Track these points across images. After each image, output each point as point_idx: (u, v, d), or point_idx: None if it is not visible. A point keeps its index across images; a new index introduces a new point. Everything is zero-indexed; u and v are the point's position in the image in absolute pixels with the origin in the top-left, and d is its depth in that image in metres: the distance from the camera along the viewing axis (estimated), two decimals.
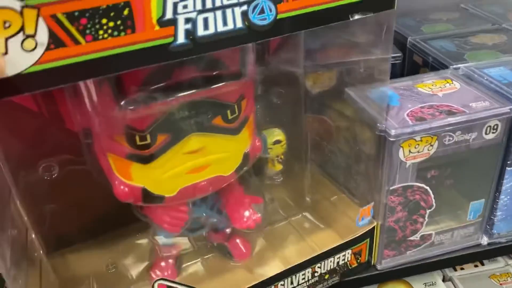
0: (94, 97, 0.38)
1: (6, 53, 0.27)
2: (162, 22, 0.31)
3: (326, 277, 0.53)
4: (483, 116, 0.51)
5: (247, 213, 0.50)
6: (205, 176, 0.45)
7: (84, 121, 0.41)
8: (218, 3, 0.32)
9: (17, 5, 0.26)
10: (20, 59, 0.27)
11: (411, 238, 0.57)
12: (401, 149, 0.50)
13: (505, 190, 0.57)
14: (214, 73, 0.40)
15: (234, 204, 0.51)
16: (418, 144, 0.50)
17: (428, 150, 0.51)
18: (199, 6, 0.31)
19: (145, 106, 0.38)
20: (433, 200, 0.55)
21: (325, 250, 0.51)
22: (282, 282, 0.50)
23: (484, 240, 0.61)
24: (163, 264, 0.53)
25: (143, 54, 0.31)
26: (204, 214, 0.51)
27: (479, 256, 0.63)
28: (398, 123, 0.50)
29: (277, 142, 0.54)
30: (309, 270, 0.51)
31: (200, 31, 0.32)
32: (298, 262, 0.50)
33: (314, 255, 0.51)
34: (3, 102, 0.29)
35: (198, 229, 0.53)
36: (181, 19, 0.31)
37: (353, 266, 0.55)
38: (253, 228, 0.50)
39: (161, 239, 0.52)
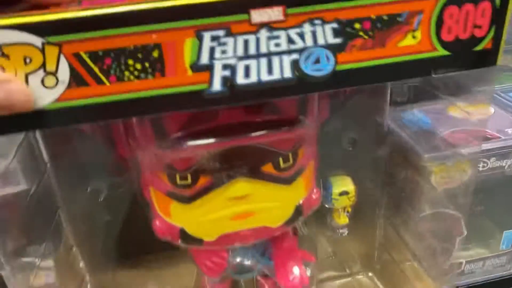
0: (139, 134, 0.36)
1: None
2: (196, 67, 0.27)
3: None
4: None
5: (295, 271, 0.45)
6: (250, 225, 0.41)
7: (132, 151, 0.40)
8: (263, 50, 0.28)
9: (39, 42, 0.25)
10: (40, 95, 0.26)
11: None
12: (432, 174, 0.45)
13: None
14: (266, 119, 0.36)
15: (284, 257, 0.46)
16: (450, 170, 0.45)
17: (460, 176, 0.45)
18: (240, 52, 0.28)
19: (185, 148, 0.35)
20: (463, 227, 0.49)
21: None
22: None
23: None
24: None
25: (173, 99, 0.28)
26: (252, 258, 0.48)
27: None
28: (430, 148, 0.46)
29: (344, 193, 0.49)
30: None
31: (240, 79, 0.28)
32: None
33: None
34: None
35: (247, 273, 0.49)
36: (218, 65, 0.28)
37: None
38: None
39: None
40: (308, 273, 0.45)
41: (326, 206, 0.50)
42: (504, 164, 0.48)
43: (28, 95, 0.26)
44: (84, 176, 0.44)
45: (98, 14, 0.25)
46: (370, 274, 0.55)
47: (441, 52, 0.30)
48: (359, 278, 0.56)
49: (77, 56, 0.26)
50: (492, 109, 0.53)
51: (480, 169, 0.48)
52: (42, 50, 0.25)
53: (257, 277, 0.52)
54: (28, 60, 0.25)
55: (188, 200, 0.39)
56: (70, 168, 0.43)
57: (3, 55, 0.25)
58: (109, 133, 0.41)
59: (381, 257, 0.55)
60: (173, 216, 0.40)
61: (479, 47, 0.31)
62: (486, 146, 0.48)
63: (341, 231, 0.52)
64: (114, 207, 0.46)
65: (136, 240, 0.50)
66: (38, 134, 0.42)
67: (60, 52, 0.25)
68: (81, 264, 0.48)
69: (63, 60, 0.26)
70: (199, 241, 0.41)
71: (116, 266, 0.52)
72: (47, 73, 0.26)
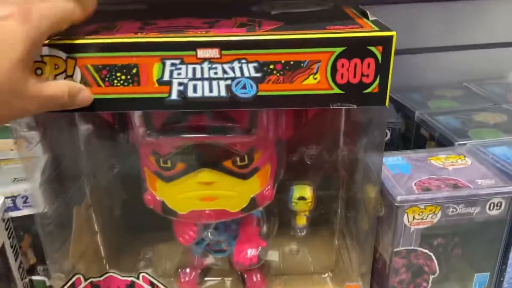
0: (135, 124, 0.51)
1: None
2: (161, 82, 0.42)
3: None
4: (485, 193, 0.53)
5: (248, 251, 0.57)
6: (213, 207, 0.53)
7: (134, 138, 0.55)
8: (206, 75, 0.41)
9: (63, 56, 0.40)
10: None
11: None
12: (405, 214, 0.52)
13: (511, 263, 0.57)
14: (223, 125, 0.49)
15: (244, 240, 0.58)
16: (422, 212, 0.52)
17: (431, 218, 0.53)
18: (190, 75, 0.41)
19: (165, 138, 0.49)
20: (437, 266, 0.57)
21: None
22: None
23: None
24: (189, 270, 0.64)
25: (144, 102, 0.42)
26: (225, 241, 0.60)
27: None
28: (405, 191, 0.53)
29: (302, 198, 0.60)
30: None
31: (190, 93, 0.42)
32: None
33: None
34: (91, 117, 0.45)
35: (220, 252, 0.62)
36: (175, 82, 0.42)
37: None
38: (246, 265, 0.57)
39: (192, 250, 0.63)
40: (257, 252, 0.56)
41: (289, 208, 0.61)
42: (472, 211, 0.54)
43: (91, 98, 0.41)
44: (104, 154, 0.59)
45: (100, 42, 0.40)
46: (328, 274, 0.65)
47: (336, 90, 0.42)
48: (317, 276, 0.65)
49: (86, 67, 0.41)
50: (469, 161, 0.59)
51: (450, 213, 0.53)
52: (65, 61, 0.41)
53: (230, 258, 0.64)
54: (56, 67, 0.41)
55: (168, 179, 0.52)
56: (95, 146, 0.59)
57: (43, 61, 0.40)
58: (125, 124, 0.57)
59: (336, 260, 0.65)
60: (158, 191, 0.54)
61: (368, 90, 0.42)
62: (454, 193, 0.53)
63: (299, 232, 0.62)
64: (127, 184, 0.61)
65: (141, 216, 0.65)
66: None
67: (75, 63, 0.41)
68: (96, 225, 0.64)
69: (77, 69, 0.41)
70: (174, 213, 0.54)
71: (124, 233, 0.66)
72: (67, 76, 0.41)
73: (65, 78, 0.41)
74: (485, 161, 0.59)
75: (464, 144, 0.63)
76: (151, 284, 0.53)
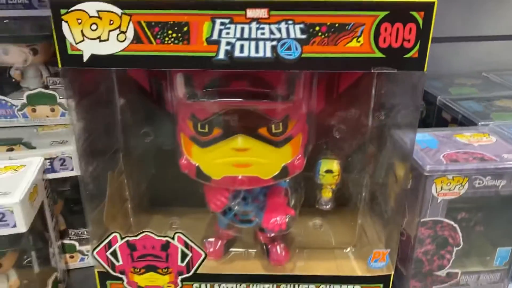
0: (177, 87, 0.53)
1: (108, 39, 0.43)
2: (209, 41, 0.43)
3: None
4: (511, 166, 0.55)
5: (275, 219, 0.58)
6: (246, 173, 0.55)
7: (173, 105, 0.57)
8: (253, 35, 0.43)
9: (119, 12, 0.42)
10: (114, 45, 0.44)
11: (438, 273, 0.60)
12: (434, 184, 0.54)
13: None
14: (263, 91, 0.50)
15: (272, 208, 0.60)
16: (450, 182, 0.54)
17: (459, 189, 0.55)
18: (238, 35, 0.43)
19: (205, 101, 0.51)
20: (461, 238, 0.58)
21: (329, 275, 0.56)
22: (284, 286, 0.56)
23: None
24: (214, 240, 0.65)
25: (192, 60, 0.44)
26: (252, 211, 0.62)
27: None
28: (434, 162, 0.55)
29: (329, 171, 0.61)
30: (313, 287, 0.56)
31: (237, 53, 0.44)
32: (303, 274, 0.56)
33: (319, 274, 0.56)
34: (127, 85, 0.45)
35: (247, 222, 0.63)
36: (223, 42, 0.43)
37: None
38: (276, 231, 0.58)
39: (219, 220, 0.64)
40: (285, 220, 0.58)
41: (316, 181, 0.63)
42: (498, 184, 0.55)
43: None
44: (140, 122, 0.61)
45: (154, 0, 0.42)
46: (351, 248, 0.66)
47: (378, 54, 0.44)
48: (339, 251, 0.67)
49: (139, 23, 0.43)
50: (494, 139, 0.61)
51: (476, 185, 0.55)
52: (120, 17, 0.42)
53: (255, 229, 0.66)
54: (111, 22, 0.43)
55: (204, 145, 0.54)
56: (131, 113, 0.61)
57: (99, 16, 0.42)
58: (163, 93, 0.58)
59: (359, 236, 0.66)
60: (193, 156, 0.56)
61: (408, 55, 0.44)
62: (482, 165, 0.55)
63: (324, 204, 0.64)
64: (159, 153, 0.63)
65: (171, 185, 0.67)
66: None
67: (130, 20, 0.43)
68: (127, 192, 0.65)
69: (131, 25, 0.43)
70: (208, 178, 0.56)
71: (153, 201, 0.68)
72: (121, 32, 0.43)
73: (118, 35, 0.43)
74: (510, 139, 0.60)
75: (487, 124, 0.65)
76: (186, 245, 0.55)
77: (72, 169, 0.59)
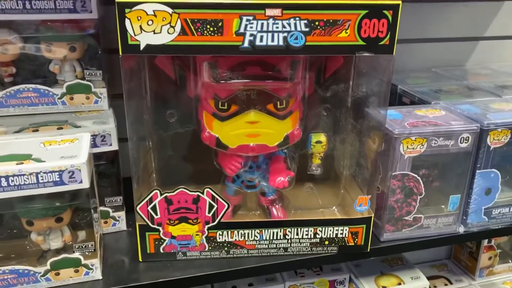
0: (202, 72, 0.67)
1: (160, 32, 0.57)
2: (237, 33, 0.58)
3: (326, 243, 0.72)
4: (457, 129, 0.73)
5: (280, 178, 0.73)
6: (256, 142, 0.69)
7: (196, 89, 0.70)
8: (270, 29, 0.58)
9: (170, 11, 0.56)
10: (166, 37, 0.57)
11: (406, 218, 0.76)
12: (401, 144, 0.71)
13: (475, 188, 0.77)
14: (271, 74, 0.65)
15: (275, 172, 0.74)
16: (413, 143, 0.71)
17: (420, 148, 0.72)
18: (259, 28, 0.58)
19: (225, 83, 0.65)
20: (423, 189, 0.75)
21: (325, 218, 0.71)
22: (289, 229, 0.71)
23: (461, 229, 0.80)
24: None
25: (224, 48, 0.58)
26: (257, 178, 0.76)
27: (457, 240, 0.85)
28: (400, 127, 0.72)
29: (318, 142, 0.76)
30: (312, 229, 0.71)
31: (258, 42, 0.58)
32: (303, 218, 0.71)
33: (316, 218, 0.71)
34: (157, 76, 0.59)
35: (252, 188, 0.77)
36: (248, 34, 0.58)
37: (349, 244, 0.72)
38: (280, 188, 0.73)
39: (227, 188, 0.78)
40: (287, 179, 0.73)
41: (307, 151, 0.78)
42: (448, 143, 0.72)
43: None
44: (166, 105, 0.74)
45: (197, 2, 0.56)
46: (336, 207, 0.82)
47: (360, 42, 0.60)
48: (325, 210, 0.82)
49: (185, 20, 0.57)
50: (444, 112, 0.79)
51: (433, 145, 0.72)
52: (171, 15, 0.56)
53: (258, 194, 0.80)
54: (164, 19, 0.56)
55: (223, 119, 0.68)
56: (159, 100, 0.74)
57: (154, 14, 0.56)
58: (184, 80, 0.72)
59: (343, 195, 0.82)
60: (214, 129, 0.69)
61: (382, 42, 0.60)
62: (436, 129, 0.71)
63: (314, 169, 0.79)
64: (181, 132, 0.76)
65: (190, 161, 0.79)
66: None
67: (178, 17, 0.56)
68: (153, 164, 0.78)
69: (179, 21, 0.57)
70: (226, 147, 0.70)
71: (174, 174, 0.80)
72: (171, 26, 0.57)
73: (168, 29, 0.57)
74: (455, 112, 0.78)
75: (438, 103, 0.82)
76: (213, 198, 0.68)
77: (111, 145, 0.72)
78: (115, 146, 0.72)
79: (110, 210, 0.76)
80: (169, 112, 0.74)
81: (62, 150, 0.62)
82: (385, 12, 0.59)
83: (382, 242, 0.76)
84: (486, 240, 1.14)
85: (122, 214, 0.77)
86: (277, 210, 0.79)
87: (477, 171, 0.75)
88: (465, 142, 0.72)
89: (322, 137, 0.76)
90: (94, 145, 0.70)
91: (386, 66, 0.66)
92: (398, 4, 0.59)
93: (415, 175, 0.73)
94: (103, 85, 0.76)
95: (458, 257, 1.22)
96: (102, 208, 0.75)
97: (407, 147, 0.70)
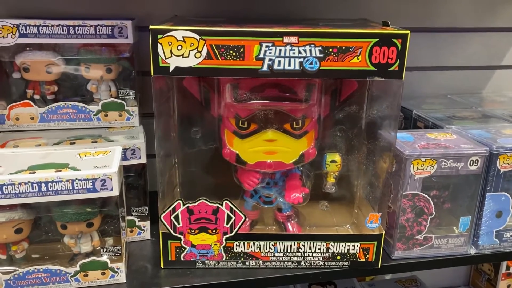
0: (226, 94, 0.72)
1: (188, 56, 0.63)
2: (257, 58, 0.63)
3: (338, 258, 0.75)
4: (466, 152, 0.76)
5: (295, 194, 0.77)
6: (273, 159, 0.74)
7: (219, 109, 0.76)
8: (287, 54, 0.63)
9: (197, 37, 0.62)
10: (193, 60, 0.63)
11: (417, 237, 0.79)
12: (411, 165, 0.74)
13: (486, 210, 0.79)
14: (288, 96, 0.70)
15: (291, 188, 0.79)
16: (423, 164, 0.74)
17: (430, 169, 0.75)
18: (277, 54, 0.63)
19: (246, 103, 0.71)
20: (433, 209, 0.78)
21: (337, 233, 0.74)
22: (303, 243, 0.74)
23: (472, 250, 0.82)
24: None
25: (245, 71, 0.64)
26: (273, 194, 0.80)
27: (468, 261, 0.83)
28: (411, 149, 0.76)
29: (333, 161, 0.80)
30: (324, 244, 0.74)
31: (275, 66, 0.64)
32: (316, 233, 0.74)
33: (329, 233, 0.75)
34: (184, 96, 0.65)
35: (269, 203, 0.82)
36: (267, 59, 0.64)
37: (361, 260, 0.75)
38: (295, 203, 0.77)
39: (246, 202, 0.82)
40: (301, 195, 0.77)
41: (323, 170, 0.82)
42: (458, 165, 0.76)
43: None
44: (191, 123, 0.80)
45: (222, 30, 0.62)
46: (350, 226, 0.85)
47: (371, 68, 0.64)
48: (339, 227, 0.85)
49: (211, 46, 0.63)
50: (455, 136, 0.82)
51: (442, 166, 0.75)
52: (198, 41, 0.62)
53: (275, 210, 0.84)
54: (192, 44, 0.63)
55: (243, 137, 0.73)
56: (186, 119, 0.80)
57: (183, 40, 0.62)
58: (208, 101, 0.78)
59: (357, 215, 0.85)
60: (234, 146, 0.74)
61: (391, 68, 0.65)
62: (446, 151, 0.75)
63: (329, 188, 0.82)
64: (204, 148, 0.81)
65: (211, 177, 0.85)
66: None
67: (205, 43, 0.63)
68: (177, 178, 0.83)
69: (205, 47, 0.63)
70: (245, 163, 0.75)
71: (196, 188, 0.86)
72: (198, 51, 0.63)
73: (195, 53, 0.63)
74: (466, 136, 0.82)
75: (450, 128, 0.86)
76: (231, 210, 0.73)
77: (140, 158, 0.78)
78: (143, 160, 0.78)
79: (136, 219, 0.82)
80: (194, 129, 0.80)
81: (96, 160, 0.68)
82: (395, 40, 0.64)
83: (394, 260, 0.79)
84: (505, 267, 1.15)
85: (147, 224, 0.82)
86: (293, 226, 0.83)
87: (488, 193, 0.77)
88: (475, 165, 0.75)
89: (337, 157, 0.81)
90: (124, 158, 0.77)
91: (396, 90, 0.70)
92: (407, 34, 0.64)
93: (426, 195, 0.76)
94: (135, 104, 0.83)
95: (476, 283, 1.23)
96: (129, 217, 0.81)
97: (417, 168, 0.74)
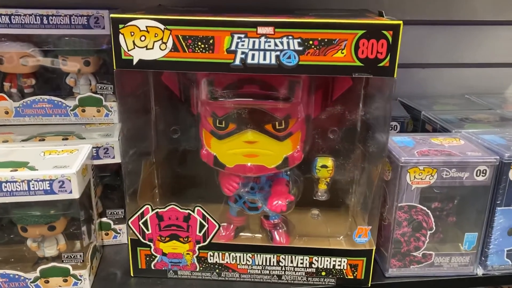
0: (200, 91, 0.66)
1: (152, 48, 0.57)
2: (228, 50, 0.57)
3: (323, 274, 0.68)
4: (473, 161, 0.66)
5: (277, 201, 0.70)
6: (254, 162, 0.67)
7: (197, 107, 0.70)
8: (262, 47, 0.56)
9: (162, 27, 0.56)
10: (158, 53, 0.57)
11: (414, 253, 0.70)
12: (408, 174, 0.66)
13: (495, 226, 0.70)
14: (268, 93, 0.63)
15: (275, 194, 0.72)
16: (421, 173, 0.66)
17: (429, 179, 0.66)
18: (250, 46, 0.57)
19: (222, 101, 0.64)
20: (433, 223, 0.69)
21: (321, 247, 0.67)
22: (283, 256, 0.67)
23: (479, 271, 0.73)
24: (226, 225, 0.77)
25: (215, 65, 0.57)
26: (258, 200, 0.74)
27: (475, 283, 0.73)
28: (408, 155, 0.67)
29: (324, 166, 0.73)
30: (307, 258, 0.67)
31: (249, 60, 0.57)
32: (298, 246, 0.67)
33: (312, 246, 0.67)
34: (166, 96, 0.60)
35: (254, 210, 0.75)
36: (239, 51, 0.57)
37: (349, 277, 0.68)
38: (278, 211, 0.70)
39: (231, 208, 0.76)
40: (285, 203, 0.70)
41: (313, 175, 0.74)
42: (462, 176, 0.67)
43: None
44: (169, 121, 0.74)
45: (189, 19, 0.56)
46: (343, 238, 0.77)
47: (358, 63, 0.57)
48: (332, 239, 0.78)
49: (177, 36, 0.57)
50: (463, 142, 0.73)
51: (444, 176, 0.66)
52: (163, 31, 0.56)
53: (261, 217, 0.77)
54: (156, 35, 0.57)
55: (221, 137, 0.67)
56: (164, 116, 0.74)
57: (147, 30, 0.56)
58: (188, 98, 0.72)
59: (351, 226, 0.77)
60: (212, 147, 0.68)
61: (381, 64, 0.57)
62: (448, 159, 0.66)
63: (320, 195, 0.75)
64: (184, 148, 0.75)
65: (193, 178, 0.79)
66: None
67: (170, 33, 0.57)
68: (156, 180, 0.78)
69: (170, 37, 0.57)
70: (223, 166, 0.68)
71: (177, 190, 0.80)
72: (163, 42, 0.57)
73: (160, 45, 0.57)
74: (476, 142, 0.72)
75: (459, 132, 0.76)
76: (203, 217, 0.67)
77: (114, 157, 0.73)
78: (117, 159, 0.73)
79: (111, 222, 0.77)
80: (173, 128, 0.74)
81: (59, 160, 0.64)
82: (385, 32, 0.55)
83: (387, 278, 0.71)
84: None
85: (123, 227, 0.77)
86: (280, 235, 0.75)
87: (498, 208, 0.68)
88: (482, 176, 0.66)
89: (329, 162, 0.73)
90: (97, 157, 0.72)
91: (389, 89, 0.62)
92: (399, 24, 0.55)
93: (424, 208, 0.67)
94: (114, 99, 0.78)
95: None
96: (104, 219, 0.76)
97: (415, 177, 0.65)
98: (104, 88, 0.77)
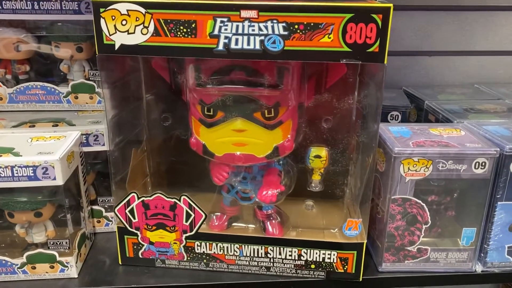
0: (188, 77, 0.65)
1: (134, 32, 0.56)
2: (211, 35, 0.55)
3: (312, 266, 0.66)
4: (471, 153, 0.63)
5: (267, 192, 0.68)
6: (243, 151, 0.66)
7: (186, 94, 0.68)
8: (246, 32, 0.54)
9: (143, 10, 0.55)
10: (139, 37, 0.56)
11: (409, 248, 0.68)
12: (401, 165, 0.63)
13: (496, 221, 0.66)
14: (257, 80, 0.61)
15: (266, 185, 0.70)
16: (416, 164, 0.63)
17: (424, 171, 0.63)
18: (234, 31, 0.54)
19: (209, 88, 0.62)
20: (429, 217, 0.66)
21: (309, 239, 0.65)
22: (271, 248, 0.66)
23: (478, 268, 0.69)
24: (220, 214, 0.75)
25: (198, 50, 0.56)
26: (250, 190, 0.72)
27: (473, 280, 0.70)
28: (402, 146, 0.64)
29: (317, 156, 0.71)
30: (296, 250, 0.65)
31: (232, 45, 0.55)
32: (286, 237, 0.65)
33: (300, 238, 0.66)
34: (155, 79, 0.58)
35: (247, 200, 0.73)
36: (222, 36, 0.55)
37: (339, 271, 0.66)
38: (267, 202, 0.68)
39: (224, 198, 0.75)
40: (276, 193, 0.68)
41: (307, 165, 0.72)
42: (459, 168, 0.63)
43: None
44: (161, 108, 0.73)
45: (170, 2, 0.54)
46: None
47: (345, 48, 0.54)
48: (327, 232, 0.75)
49: (158, 20, 0.55)
50: (463, 133, 0.70)
51: (440, 168, 0.63)
52: (144, 15, 0.55)
53: (255, 207, 0.76)
54: (137, 19, 0.55)
55: (209, 125, 0.65)
56: (156, 104, 0.73)
57: (128, 14, 0.55)
58: (179, 85, 0.70)
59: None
60: (201, 135, 0.67)
61: (370, 49, 0.54)
62: (444, 150, 0.63)
63: (314, 186, 0.73)
64: (176, 136, 0.74)
65: (185, 166, 0.78)
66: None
67: (151, 17, 0.55)
68: (147, 168, 0.77)
69: (152, 22, 0.55)
70: (212, 155, 0.67)
71: (169, 179, 0.79)
72: (144, 27, 0.56)
73: (142, 29, 0.56)
74: (477, 133, 0.69)
75: (462, 122, 0.73)
76: (190, 206, 0.65)
77: (103, 144, 0.72)
78: (107, 146, 0.72)
79: (103, 209, 0.76)
80: (164, 115, 0.73)
81: (45, 146, 0.63)
82: (374, 16, 0.53)
83: (380, 272, 0.69)
84: None
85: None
86: (273, 226, 0.74)
87: (498, 202, 0.65)
88: (481, 168, 0.63)
89: (323, 152, 0.71)
90: (87, 144, 0.71)
91: (381, 76, 0.59)
92: (389, 7, 0.52)
93: (419, 201, 0.65)
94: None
95: None
96: (95, 207, 0.76)
97: (409, 168, 0.62)
98: (96, 74, 0.76)
